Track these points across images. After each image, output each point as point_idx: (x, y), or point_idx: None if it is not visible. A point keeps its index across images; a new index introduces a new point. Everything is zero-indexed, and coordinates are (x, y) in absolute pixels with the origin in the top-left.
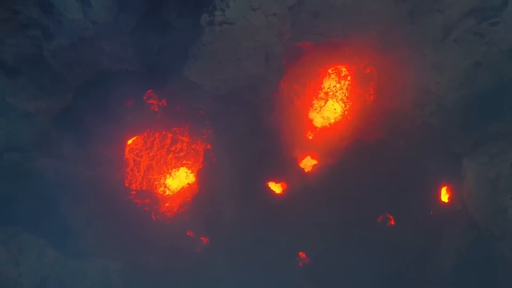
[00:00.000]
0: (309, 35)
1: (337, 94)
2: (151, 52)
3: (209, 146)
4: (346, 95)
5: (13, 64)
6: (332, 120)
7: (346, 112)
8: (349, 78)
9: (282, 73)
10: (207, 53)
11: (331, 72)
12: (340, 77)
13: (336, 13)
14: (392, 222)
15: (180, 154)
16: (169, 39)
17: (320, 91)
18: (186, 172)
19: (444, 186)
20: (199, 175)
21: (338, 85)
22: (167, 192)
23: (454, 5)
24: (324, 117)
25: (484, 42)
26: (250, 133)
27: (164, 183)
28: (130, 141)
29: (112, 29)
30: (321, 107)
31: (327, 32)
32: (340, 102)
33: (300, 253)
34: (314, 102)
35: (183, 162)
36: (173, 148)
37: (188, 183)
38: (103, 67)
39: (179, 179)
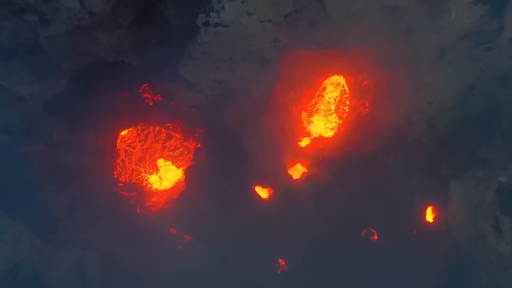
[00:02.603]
0: (306, 44)
1: (333, 104)
2: (148, 47)
3: (199, 145)
4: (342, 106)
5: (8, 47)
6: (326, 130)
7: (340, 123)
8: (346, 89)
9: (277, 79)
10: (202, 53)
11: (328, 81)
12: (337, 88)
13: (333, 24)
14: (375, 237)
15: (175, 152)
16: (166, 35)
17: (316, 100)
18: (176, 169)
19: (429, 206)
20: (187, 173)
21: (334, 95)
22: (155, 187)
23: (450, 27)
24: (318, 126)
25: (478, 66)
26: (241, 135)
27: (153, 177)
28: (123, 133)
29: (109, 21)
30: (315, 116)
31: (324, 42)
32: (335, 112)
33: (280, 260)
34: (309, 110)
35: (177, 162)
36: (167, 144)
37: (177, 180)
38: (99, 58)
39: (169, 175)
